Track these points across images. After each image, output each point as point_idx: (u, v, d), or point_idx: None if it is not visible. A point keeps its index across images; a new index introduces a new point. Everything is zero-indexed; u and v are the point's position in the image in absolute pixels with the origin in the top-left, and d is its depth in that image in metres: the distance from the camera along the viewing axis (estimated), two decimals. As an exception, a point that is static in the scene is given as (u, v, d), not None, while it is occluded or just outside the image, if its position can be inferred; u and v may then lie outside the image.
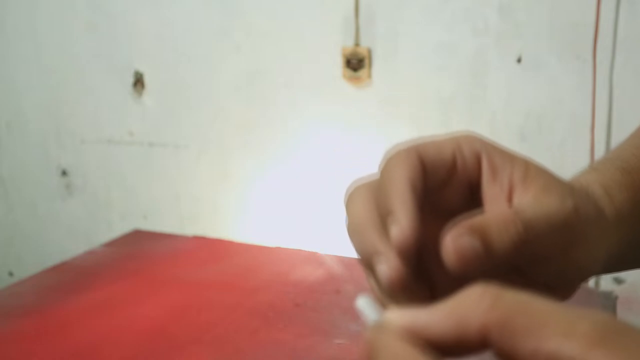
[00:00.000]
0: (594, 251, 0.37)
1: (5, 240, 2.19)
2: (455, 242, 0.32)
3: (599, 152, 1.44)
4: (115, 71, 1.88)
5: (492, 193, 0.36)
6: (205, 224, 1.86)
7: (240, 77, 1.74)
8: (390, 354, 0.26)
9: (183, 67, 1.80)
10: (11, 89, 2.04)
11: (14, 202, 2.15)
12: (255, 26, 1.70)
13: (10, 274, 2.20)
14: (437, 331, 0.26)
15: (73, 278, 0.97)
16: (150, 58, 1.84)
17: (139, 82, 1.86)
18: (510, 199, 0.35)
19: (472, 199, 0.37)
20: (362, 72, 1.60)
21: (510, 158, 0.36)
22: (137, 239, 1.15)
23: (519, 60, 1.48)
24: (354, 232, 0.36)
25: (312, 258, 1.02)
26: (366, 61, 1.59)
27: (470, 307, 0.25)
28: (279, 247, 1.08)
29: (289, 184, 1.74)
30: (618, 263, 0.41)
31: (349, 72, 1.62)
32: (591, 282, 1.44)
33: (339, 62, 1.62)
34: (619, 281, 1.47)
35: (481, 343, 0.25)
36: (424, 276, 0.36)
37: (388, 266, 0.33)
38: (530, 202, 0.34)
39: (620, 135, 1.41)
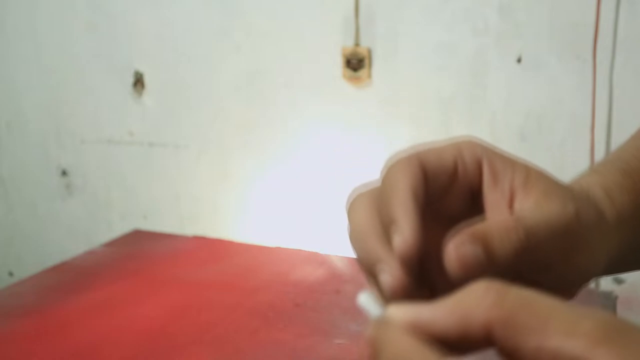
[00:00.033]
0: (595, 255, 0.37)
1: (5, 240, 2.19)
2: (457, 249, 0.32)
3: (599, 152, 1.44)
4: (115, 71, 1.88)
5: (493, 198, 0.36)
6: (205, 224, 1.86)
7: (240, 77, 1.74)
8: (395, 348, 0.26)
9: (183, 67, 1.80)
10: (11, 89, 2.04)
11: (14, 202, 2.15)
12: (255, 26, 1.70)
13: (10, 274, 2.20)
14: (441, 326, 0.26)
15: (73, 278, 0.97)
16: (150, 58, 1.84)
17: (139, 82, 1.86)
18: (511, 204, 0.35)
19: (473, 204, 0.37)
20: (362, 72, 1.60)
21: (511, 163, 0.36)
22: (137, 239, 1.15)
23: (519, 60, 1.48)
24: (356, 239, 0.36)
25: (312, 258, 1.02)
26: (366, 61, 1.59)
27: (473, 302, 0.25)
28: (279, 247, 1.08)
29: (289, 184, 1.74)
30: (619, 265, 0.41)
31: (349, 72, 1.62)
32: (591, 283, 1.44)
33: (339, 62, 1.62)
34: (619, 281, 1.47)
35: (485, 339, 0.25)
36: (425, 281, 0.36)
37: (391, 275, 0.33)
38: (531, 207, 0.34)
39: (620, 135, 1.41)
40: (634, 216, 0.39)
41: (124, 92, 1.88)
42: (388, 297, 0.34)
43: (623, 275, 1.46)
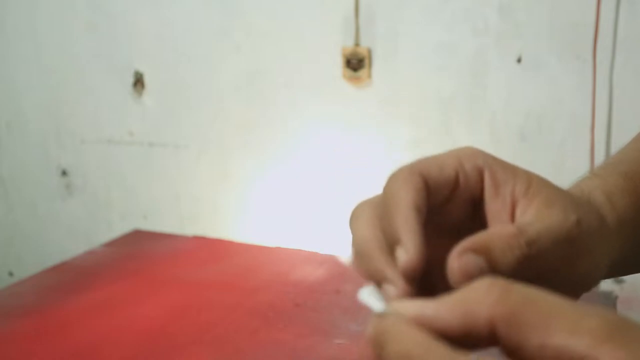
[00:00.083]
0: (597, 261, 0.37)
1: (5, 240, 2.19)
2: (460, 260, 0.32)
3: (599, 152, 1.44)
4: (115, 71, 1.88)
5: (495, 208, 0.36)
6: (205, 224, 1.86)
7: (240, 77, 1.74)
8: (400, 341, 0.26)
9: (183, 67, 1.80)
10: (11, 89, 2.04)
11: (14, 202, 2.15)
12: (255, 26, 1.70)
13: (10, 274, 2.20)
14: (444, 322, 0.26)
15: (73, 278, 0.97)
16: (150, 58, 1.84)
17: (139, 82, 1.86)
18: (513, 213, 0.35)
19: (475, 213, 0.37)
20: (362, 72, 1.60)
21: (512, 172, 0.36)
22: (137, 239, 1.15)
23: (519, 60, 1.48)
24: (359, 253, 0.36)
25: (312, 258, 1.02)
26: (366, 61, 1.59)
27: (477, 299, 0.25)
28: (279, 247, 1.08)
29: (289, 184, 1.74)
30: (620, 268, 0.41)
31: (349, 72, 1.62)
32: (594, 288, 1.44)
33: (339, 62, 1.62)
34: (619, 281, 1.47)
35: (488, 336, 0.25)
36: (426, 287, 0.36)
37: (395, 288, 0.33)
38: (533, 216, 0.34)
39: (620, 135, 1.41)
40: (635, 219, 0.39)
41: (124, 92, 1.88)
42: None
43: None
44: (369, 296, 0.29)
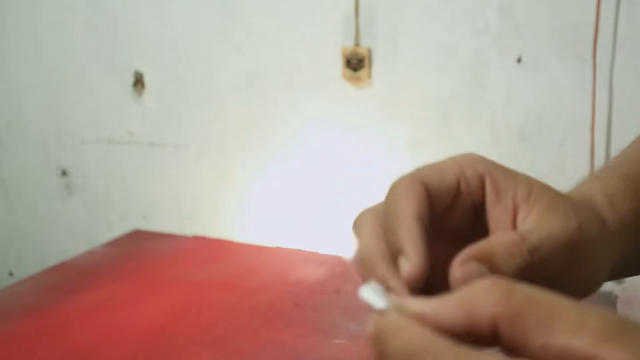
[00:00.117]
0: (598, 265, 0.37)
1: (5, 240, 2.19)
2: (462, 269, 0.32)
3: (599, 152, 1.44)
4: (115, 71, 1.88)
5: (496, 214, 0.36)
6: (205, 224, 1.86)
7: (240, 77, 1.74)
8: (403, 338, 0.26)
9: (183, 67, 1.80)
10: (11, 89, 2.04)
11: (14, 202, 2.15)
12: (255, 26, 1.70)
13: (10, 274, 2.20)
14: (446, 320, 0.26)
15: (73, 278, 0.97)
16: (150, 58, 1.84)
17: (139, 82, 1.86)
18: (514, 219, 0.36)
19: (477, 219, 0.37)
20: (362, 72, 1.60)
21: (513, 178, 0.36)
22: (137, 239, 1.15)
23: (519, 60, 1.48)
24: (362, 261, 0.36)
25: (312, 258, 1.02)
26: (366, 61, 1.59)
27: (480, 298, 0.25)
28: (279, 247, 1.08)
29: (289, 184, 1.74)
30: (621, 271, 0.41)
31: (349, 72, 1.62)
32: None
33: (339, 62, 1.62)
34: (619, 281, 1.47)
35: (490, 335, 0.25)
36: (428, 292, 0.36)
37: (398, 295, 0.33)
38: (534, 223, 0.35)
39: (620, 135, 1.41)
40: (637, 222, 0.40)
41: (124, 92, 1.88)
42: None
43: (623, 275, 1.46)
44: (369, 294, 0.29)
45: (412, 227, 0.33)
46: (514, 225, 0.36)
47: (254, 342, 0.77)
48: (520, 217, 0.35)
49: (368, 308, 0.29)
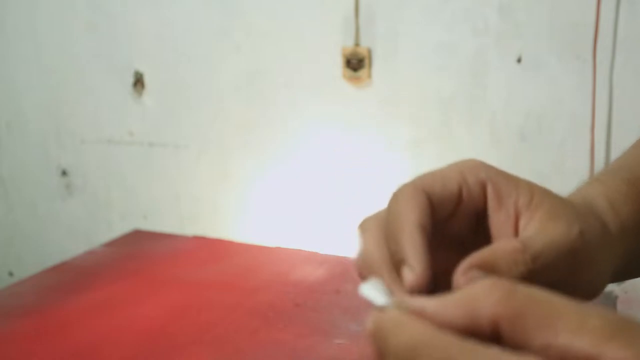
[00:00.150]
0: (600, 269, 0.37)
1: (5, 240, 2.19)
2: (466, 277, 0.32)
3: (599, 152, 1.44)
4: (115, 71, 1.88)
5: (498, 220, 0.36)
6: (205, 224, 1.86)
7: (240, 77, 1.74)
8: (403, 332, 0.26)
9: (183, 67, 1.80)
10: (11, 89, 2.04)
11: (14, 202, 2.15)
12: (255, 26, 1.70)
13: (10, 274, 2.20)
14: (446, 318, 0.26)
15: (73, 278, 0.97)
16: (150, 58, 1.84)
17: (139, 82, 1.86)
18: (516, 225, 0.36)
19: (479, 225, 0.37)
20: (362, 72, 1.60)
21: (515, 184, 0.37)
22: (137, 239, 1.15)
23: (519, 60, 1.48)
24: (365, 269, 0.36)
25: (312, 258, 1.02)
26: (366, 61, 1.59)
27: (481, 297, 0.26)
28: (279, 247, 1.08)
29: (289, 184, 1.74)
30: (623, 273, 0.41)
31: (349, 72, 1.62)
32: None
33: (339, 62, 1.62)
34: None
35: (491, 335, 0.25)
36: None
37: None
38: (536, 229, 0.35)
39: (620, 135, 1.41)
40: (638, 225, 0.40)
41: (124, 92, 1.88)
42: None
43: (623, 275, 1.45)
44: (370, 290, 0.29)
45: (415, 236, 0.34)
46: (516, 231, 0.36)
47: (254, 342, 0.77)
48: (522, 223, 0.36)
49: (368, 305, 0.29)
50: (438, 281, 0.35)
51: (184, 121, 1.84)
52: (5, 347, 0.78)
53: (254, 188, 1.79)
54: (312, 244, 1.62)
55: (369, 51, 1.59)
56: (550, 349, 0.24)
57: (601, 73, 1.41)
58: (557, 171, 1.48)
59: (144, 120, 1.88)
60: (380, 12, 1.57)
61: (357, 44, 1.59)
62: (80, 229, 2.04)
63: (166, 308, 0.87)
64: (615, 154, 1.43)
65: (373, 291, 0.29)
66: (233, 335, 0.79)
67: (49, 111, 2.00)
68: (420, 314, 0.26)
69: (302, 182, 1.73)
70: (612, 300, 0.90)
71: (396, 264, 0.34)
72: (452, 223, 0.37)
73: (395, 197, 0.35)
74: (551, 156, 1.49)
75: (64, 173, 2.03)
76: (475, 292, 0.26)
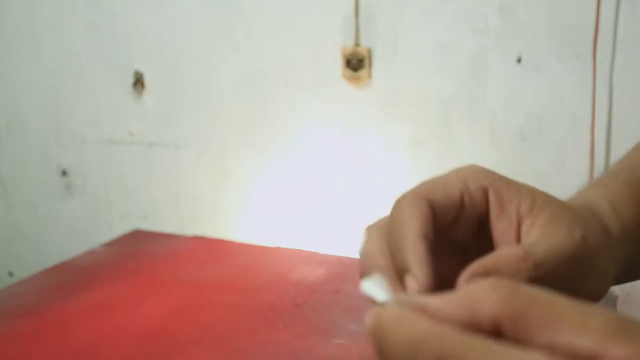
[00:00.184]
0: (603, 273, 0.37)
1: (5, 240, 2.19)
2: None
3: (599, 152, 1.44)
4: (115, 71, 1.88)
5: (500, 226, 0.36)
6: (205, 224, 1.86)
7: (240, 77, 1.74)
8: (404, 328, 0.26)
9: (183, 67, 1.80)
10: (11, 89, 2.04)
11: (14, 202, 2.15)
12: (255, 26, 1.70)
13: (10, 274, 2.20)
14: (447, 315, 0.26)
15: (73, 278, 0.97)
16: (150, 58, 1.84)
17: (139, 82, 1.86)
18: (518, 231, 0.36)
19: (481, 232, 0.37)
20: (362, 72, 1.60)
21: (517, 189, 0.37)
22: (137, 239, 1.15)
23: (519, 60, 1.48)
24: (367, 275, 0.36)
25: (312, 258, 1.02)
26: (366, 61, 1.59)
27: (482, 296, 0.26)
28: (279, 247, 1.08)
29: (289, 184, 1.74)
30: (625, 275, 0.41)
31: (349, 72, 1.62)
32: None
33: (339, 62, 1.62)
34: (619, 281, 1.47)
35: (492, 334, 0.25)
36: None
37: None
38: (538, 235, 0.35)
39: (620, 135, 1.41)
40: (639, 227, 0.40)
41: (124, 92, 1.88)
42: None
43: (623, 275, 1.46)
44: (371, 287, 0.29)
45: (418, 245, 0.34)
46: (518, 236, 0.36)
47: (254, 342, 0.77)
48: (524, 228, 0.36)
49: (369, 305, 0.29)
50: (441, 287, 0.35)
51: (184, 121, 1.84)
52: (5, 347, 0.78)
53: (254, 188, 1.79)
54: (312, 244, 1.62)
55: (369, 51, 1.59)
56: (552, 348, 0.24)
57: (601, 73, 1.41)
58: (557, 171, 1.48)
59: (144, 120, 1.88)
60: (380, 12, 1.57)
61: (357, 44, 1.59)
62: (80, 229, 2.04)
63: (166, 308, 0.87)
64: (615, 154, 1.43)
65: (374, 288, 0.29)
66: (233, 335, 0.79)
67: (49, 111, 2.00)
68: (421, 311, 0.26)
69: (302, 182, 1.73)
70: (612, 301, 0.90)
71: (399, 273, 0.34)
72: (454, 229, 0.37)
73: (397, 206, 0.36)
74: (551, 156, 1.49)
75: (64, 173, 2.03)
76: (477, 291, 0.26)
